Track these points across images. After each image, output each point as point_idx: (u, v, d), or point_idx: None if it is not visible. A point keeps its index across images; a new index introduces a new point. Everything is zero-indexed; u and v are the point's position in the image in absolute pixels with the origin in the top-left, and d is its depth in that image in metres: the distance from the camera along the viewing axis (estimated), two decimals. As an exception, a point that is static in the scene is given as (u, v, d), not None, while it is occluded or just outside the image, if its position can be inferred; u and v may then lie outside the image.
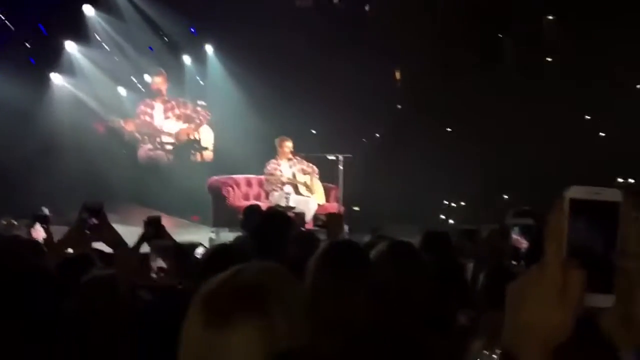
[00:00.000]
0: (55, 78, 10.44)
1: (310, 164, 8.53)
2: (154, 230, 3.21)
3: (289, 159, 8.40)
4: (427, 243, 2.72)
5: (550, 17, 10.19)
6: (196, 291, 1.10)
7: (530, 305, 0.73)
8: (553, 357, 0.73)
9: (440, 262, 2.51)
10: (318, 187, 8.56)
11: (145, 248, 3.28)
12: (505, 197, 9.34)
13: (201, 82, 11.35)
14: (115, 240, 2.22)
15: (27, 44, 10.31)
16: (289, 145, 8.37)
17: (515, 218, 2.82)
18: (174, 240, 3.34)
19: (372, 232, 4.74)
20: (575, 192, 0.75)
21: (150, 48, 10.88)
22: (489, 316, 1.70)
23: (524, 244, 2.74)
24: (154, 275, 3.06)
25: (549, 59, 10.04)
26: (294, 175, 8.36)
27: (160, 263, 3.08)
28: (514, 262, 2.72)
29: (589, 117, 9.88)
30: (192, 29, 10.48)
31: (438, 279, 1.97)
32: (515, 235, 2.76)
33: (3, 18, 10.05)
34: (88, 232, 2.26)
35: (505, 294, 0.77)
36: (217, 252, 2.41)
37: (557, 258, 0.73)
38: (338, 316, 1.53)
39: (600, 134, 9.76)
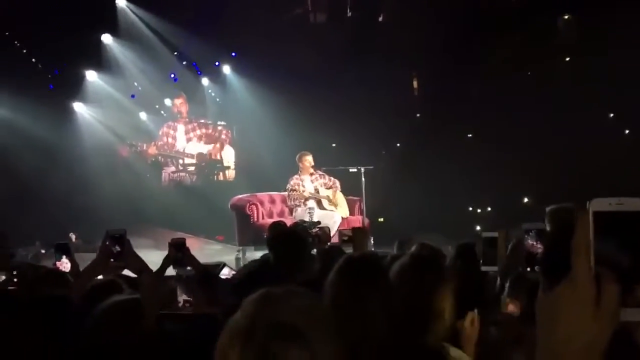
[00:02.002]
0: (78, 107, 10.65)
1: (332, 178, 8.52)
2: (179, 253, 3.21)
3: (311, 174, 8.40)
4: (460, 255, 2.67)
5: (566, 17, 10.08)
6: (226, 316, 1.08)
7: (564, 321, 0.72)
8: None
9: (470, 273, 2.47)
10: (341, 200, 8.53)
11: (170, 270, 3.30)
12: (526, 200, 9.21)
13: (220, 102, 11.46)
14: (139, 267, 2.22)
15: (49, 76, 10.54)
16: (309, 160, 8.35)
17: (531, 223, 2.75)
18: (198, 262, 3.34)
19: (398, 244, 4.66)
20: (598, 204, 0.73)
21: (175, 79, 11.05)
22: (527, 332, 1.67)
23: (539, 249, 2.67)
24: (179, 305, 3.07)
25: (567, 59, 9.92)
26: (316, 190, 8.35)
27: (185, 297, 3.10)
28: (528, 269, 2.66)
29: (612, 115, 9.71)
30: (209, 50, 10.60)
31: (463, 289, 1.94)
32: (530, 241, 2.69)
33: (25, 52, 10.30)
34: (112, 260, 2.27)
35: (536, 310, 0.75)
36: (256, 271, 2.37)
37: (586, 272, 0.72)
38: (355, 329, 1.51)
39: (626, 131, 9.59)
